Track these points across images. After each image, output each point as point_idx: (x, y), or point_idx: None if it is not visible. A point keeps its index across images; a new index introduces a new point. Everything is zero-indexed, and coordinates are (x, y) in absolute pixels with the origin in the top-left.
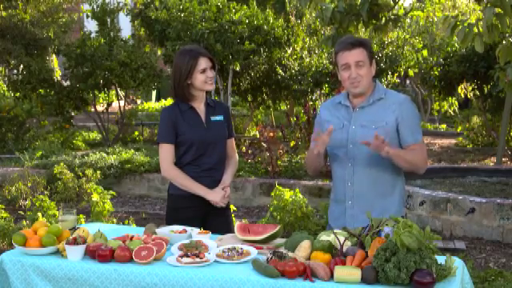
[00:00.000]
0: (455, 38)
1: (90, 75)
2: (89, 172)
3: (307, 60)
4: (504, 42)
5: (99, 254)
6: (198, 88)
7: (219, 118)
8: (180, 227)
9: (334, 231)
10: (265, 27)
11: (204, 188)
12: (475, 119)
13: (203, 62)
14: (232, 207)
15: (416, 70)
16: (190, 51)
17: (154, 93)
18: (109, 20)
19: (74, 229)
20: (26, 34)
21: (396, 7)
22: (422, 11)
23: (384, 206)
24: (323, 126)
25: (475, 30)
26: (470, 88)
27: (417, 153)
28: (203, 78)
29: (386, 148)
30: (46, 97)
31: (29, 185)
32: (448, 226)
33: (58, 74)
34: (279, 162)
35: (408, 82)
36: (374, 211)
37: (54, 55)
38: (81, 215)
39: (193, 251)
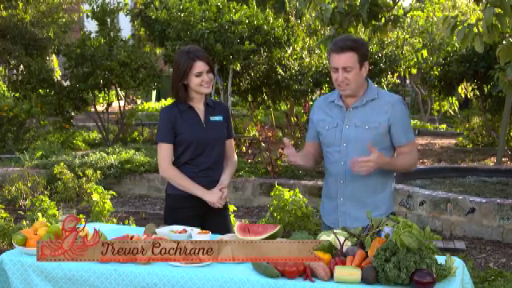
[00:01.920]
0: (455, 38)
1: (90, 75)
2: (89, 172)
3: (307, 60)
4: (504, 42)
5: None
6: (193, 90)
7: (218, 118)
8: (180, 227)
9: (334, 231)
10: (265, 27)
11: (201, 188)
12: (475, 119)
13: (199, 66)
14: (232, 207)
15: (414, 71)
16: (187, 52)
17: (154, 93)
18: (109, 20)
19: None
20: (26, 33)
21: (396, 7)
22: (422, 11)
23: (375, 203)
24: (317, 125)
25: (475, 30)
26: (470, 88)
27: (406, 156)
28: (198, 81)
29: (370, 166)
30: (45, 97)
31: (29, 185)
32: (448, 226)
33: (58, 74)
34: (279, 162)
35: (408, 81)
36: (365, 208)
37: (53, 55)
38: (81, 215)
39: None
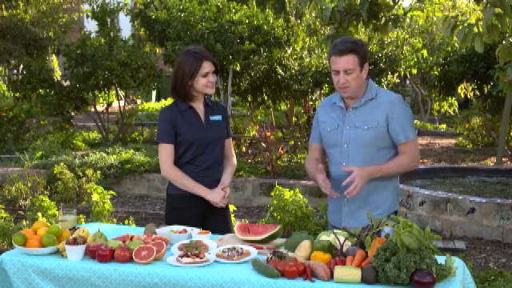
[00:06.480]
0: (455, 38)
1: (90, 75)
2: (89, 172)
3: (307, 60)
4: (504, 42)
5: (99, 254)
6: (198, 90)
7: (218, 117)
8: (180, 227)
9: (334, 231)
10: (265, 27)
11: (204, 188)
12: (475, 119)
13: (207, 66)
14: (232, 207)
15: (414, 71)
16: (194, 53)
17: (154, 93)
18: (109, 20)
19: (73, 229)
20: (26, 33)
21: (396, 7)
22: (422, 11)
23: (377, 201)
24: (319, 125)
25: (475, 30)
26: (470, 88)
27: (402, 157)
28: (205, 81)
29: (359, 185)
30: (45, 97)
31: (29, 185)
32: (448, 226)
33: (57, 74)
34: (279, 162)
35: (408, 81)
36: (367, 207)
37: (53, 55)
38: (81, 215)
39: (193, 251)
